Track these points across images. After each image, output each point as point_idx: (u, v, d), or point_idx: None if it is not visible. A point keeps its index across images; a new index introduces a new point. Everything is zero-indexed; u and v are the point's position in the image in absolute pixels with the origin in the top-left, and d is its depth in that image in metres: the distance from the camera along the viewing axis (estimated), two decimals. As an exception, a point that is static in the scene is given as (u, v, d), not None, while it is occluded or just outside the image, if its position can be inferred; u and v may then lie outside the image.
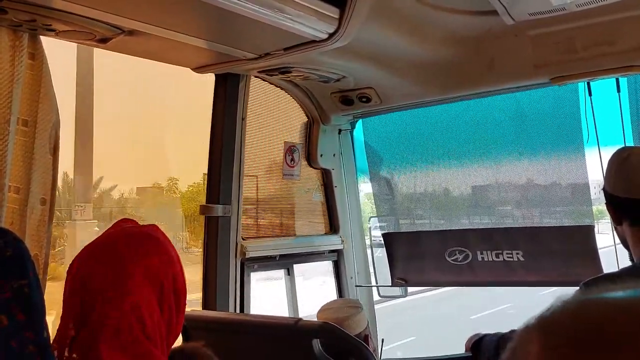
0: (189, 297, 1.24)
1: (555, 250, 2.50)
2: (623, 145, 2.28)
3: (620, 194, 1.42)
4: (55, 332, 1.15)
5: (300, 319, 1.81)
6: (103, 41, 1.74)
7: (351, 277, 2.91)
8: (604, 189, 1.50)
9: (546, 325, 0.46)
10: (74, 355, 1.11)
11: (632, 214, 1.42)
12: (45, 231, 1.67)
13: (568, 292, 0.50)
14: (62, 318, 1.16)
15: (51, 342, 1.01)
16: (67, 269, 1.18)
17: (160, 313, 1.17)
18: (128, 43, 1.79)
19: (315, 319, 2.01)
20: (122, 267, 1.13)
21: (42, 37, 1.68)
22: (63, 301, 1.18)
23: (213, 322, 1.97)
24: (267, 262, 2.51)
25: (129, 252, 1.15)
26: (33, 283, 0.97)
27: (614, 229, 1.53)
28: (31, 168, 1.64)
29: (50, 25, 1.58)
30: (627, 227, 1.43)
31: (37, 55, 1.66)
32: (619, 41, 2.06)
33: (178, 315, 1.22)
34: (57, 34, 1.65)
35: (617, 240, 1.56)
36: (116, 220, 1.25)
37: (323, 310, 2.10)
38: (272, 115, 2.61)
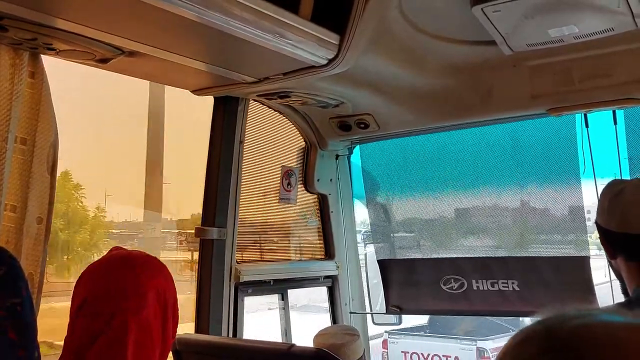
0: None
1: (551, 280, 2.48)
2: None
3: (615, 228, 1.39)
4: None
5: (294, 345, 1.79)
6: (103, 61, 1.75)
7: (345, 304, 2.88)
8: (596, 223, 1.48)
9: (547, 331, 0.52)
10: None
11: (627, 249, 1.38)
12: (41, 250, 1.66)
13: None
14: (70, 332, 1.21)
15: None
16: (75, 286, 1.26)
17: (162, 332, 1.25)
18: (128, 64, 1.80)
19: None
20: (140, 283, 1.23)
21: (43, 57, 1.68)
22: (70, 314, 1.23)
23: (206, 347, 1.94)
24: (261, 287, 2.49)
25: (146, 270, 1.26)
26: (26, 302, 0.96)
27: (608, 262, 1.51)
28: (28, 187, 1.64)
29: (51, 44, 1.58)
30: (622, 261, 1.40)
31: (37, 74, 1.67)
32: (616, 74, 2.09)
33: (170, 338, 1.29)
34: (58, 53, 1.66)
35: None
36: (111, 248, 1.36)
37: (319, 335, 2.08)
38: (270, 139, 2.61)
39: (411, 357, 8.97)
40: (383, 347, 9.13)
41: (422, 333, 9.07)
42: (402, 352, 9.02)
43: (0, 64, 1.58)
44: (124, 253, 1.31)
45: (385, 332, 8.88)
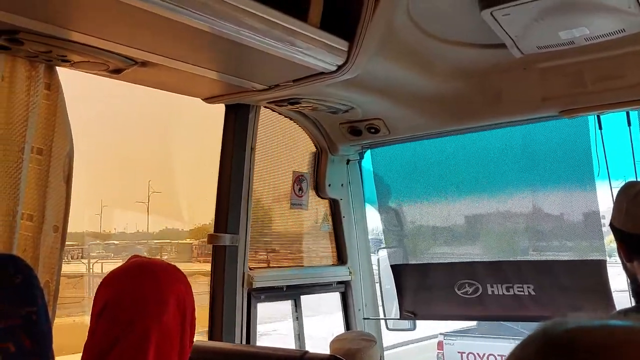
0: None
1: (567, 284, 2.45)
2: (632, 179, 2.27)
3: (632, 230, 1.38)
4: None
5: (307, 352, 1.78)
6: (116, 72, 1.77)
7: (359, 309, 2.87)
8: (611, 225, 1.47)
9: (545, 334, 0.53)
10: None
11: None
12: (57, 258, 1.68)
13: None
14: (93, 335, 1.23)
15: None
16: (96, 292, 1.28)
17: (180, 339, 1.26)
18: (140, 74, 1.82)
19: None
20: (161, 289, 1.25)
21: (58, 68, 1.71)
22: (91, 319, 1.25)
23: (219, 353, 1.95)
24: (274, 293, 2.49)
25: (166, 277, 1.28)
26: (41, 310, 0.97)
27: (622, 265, 1.49)
28: (45, 196, 1.66)
29: (66, 56, 1.61)
30: (639, 265, 1.40)
31: (52, 86, 1.69)
32: (628, 75, 2.07)
33: (188, 346, 1.30)
34: (72, 64, 1.68)
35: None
36: (130, 256, 1.37)
37: (336, 340, 2.09)
38: (281, 145, 2.63)
39: (467, 357, 9.28)
40: (438, 349, 9.51)
41: (474, 335, 9.37)
42: (458, 352, 9.32)
43: (16, 76, 1.61)
44: (144, 261, 1.33)
45: (440, 334, 9.34)
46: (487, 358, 9.04)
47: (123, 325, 1.20)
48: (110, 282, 1.28)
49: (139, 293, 1.24)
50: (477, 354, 9.17)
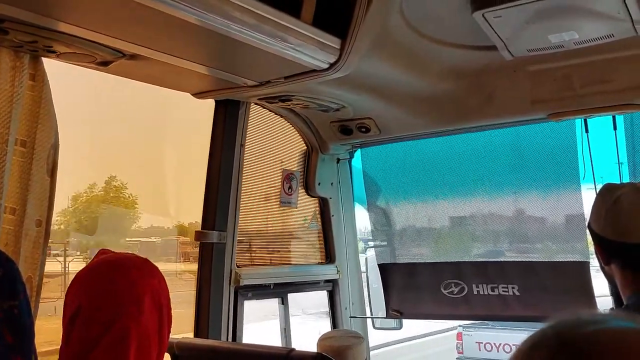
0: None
1: (551, 285, 2.48)
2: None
3: (611, 236, 1.38)
4: None
5: (293, 349, 1.78)
6: (104, 64, 1.75)
7: (346, 308, 2.87)
8: (589, 227, 1.47)
9: (558, 336, 0.52)
10: None
11: (623, 257, 1.38)
12: (40, 253, 1.65)
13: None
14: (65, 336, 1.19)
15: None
16: (66, 294, 1.23)
17: (158, 334, 1.23)
18: (129, 67, 1.80)
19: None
20: (136, 287, 1.21)
21: (44, 59, 1.68)
22: (63, 323, 1.21)
23: (205, 351, 1.94)
24: (261, 291, 2.48)
25: (139, 273, 1.24)
26: (23, 305, 0.95)
27: (600, 267, 1.50)
28: (28, 189, 1.63)
29: (52, 47, 1.58)
30: (617, 269, 1.39)
31: (37, 77, 1.66)
32: (616, 80, 2.09)
33: (166, 340, 1.28)
34: (58, 55, 1.65)
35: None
36: (98, 251, 1.32)
37: (324, 339, 2.09)
38: (271, 143, 2.61)
39: (484, 347, 10.22)
40: (458, 339, 10.47)
41: (490, 326, 10.08)
42: (476, 342, 10.27)
43: (0, 66, 1.57)
44: (115, 256, 1.28)
45: (460, 326, 10.23)
46: (502, 347, 9.85)
47: (100, 328, 1.16)
48: (81, 282, 1.23)
49: (113, 293, 1.19)
50: (493, 343, 10.10)
